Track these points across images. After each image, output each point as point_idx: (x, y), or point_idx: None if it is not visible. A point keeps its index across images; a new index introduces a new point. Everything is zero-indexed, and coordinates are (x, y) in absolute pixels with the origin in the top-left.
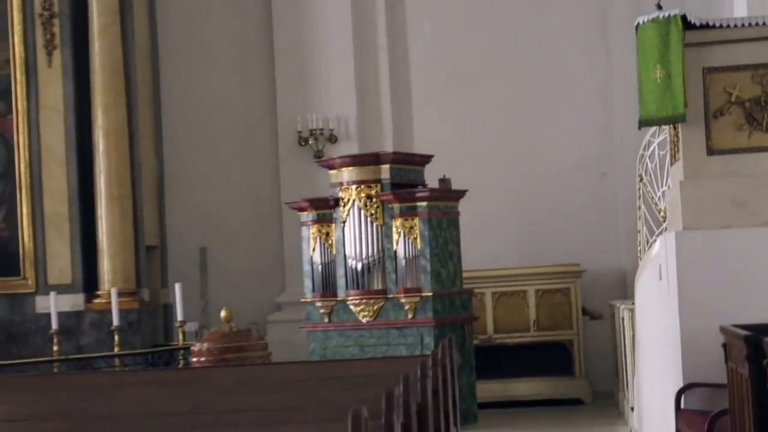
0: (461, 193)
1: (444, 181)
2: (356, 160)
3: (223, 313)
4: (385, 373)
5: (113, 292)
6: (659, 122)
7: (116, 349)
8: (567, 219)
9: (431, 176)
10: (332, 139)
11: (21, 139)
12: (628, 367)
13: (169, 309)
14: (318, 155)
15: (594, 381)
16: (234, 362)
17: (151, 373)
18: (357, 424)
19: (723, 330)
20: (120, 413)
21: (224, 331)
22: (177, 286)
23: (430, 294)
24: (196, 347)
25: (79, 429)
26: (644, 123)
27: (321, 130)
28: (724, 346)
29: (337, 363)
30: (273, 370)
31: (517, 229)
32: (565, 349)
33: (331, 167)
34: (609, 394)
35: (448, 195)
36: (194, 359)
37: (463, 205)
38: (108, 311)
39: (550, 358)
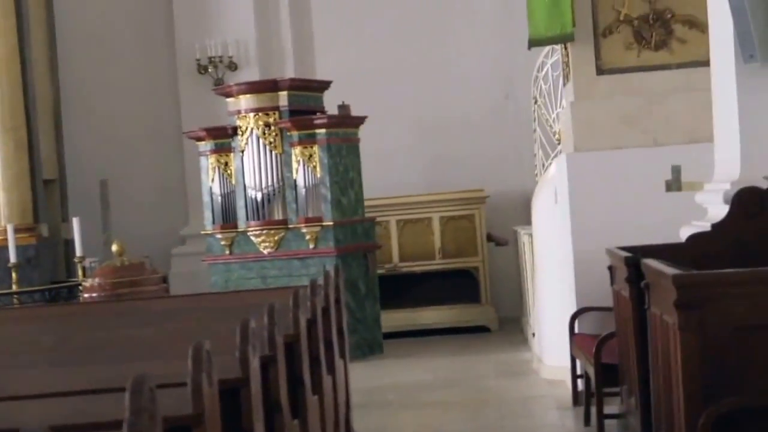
0: (361, 120)
1: (343, 108)
2: (253, 87)
3: (114, 247)
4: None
5: (9, 227)
6: (548, 42)
7: (14, 287)
8: (471, 144)
9: (335, 103)
10: (232, 66)
11: None
12: (530, 293)
13: (70, 244)
14: (218, 83)
15: (500, 308)
16: (127, 297)
17: (29, 310)
18: (197, 358)
19: (608, 252)
20: None
21: (116, 266)
22: (75, 221)
23: (331, 223)
24: (87, 282)
25: None
26: (534, 43)
27: (220, 57)
28: (610, 268)
29: (221, 295)
30: (153, 304)
31: (421, 156)
32: (472, 276)
33: (229, 95)
34: (515, 320)
35: (347, 121)
36: (86, 295)
37: (366, 133)
38: (5, 248)
39: (457, 285)
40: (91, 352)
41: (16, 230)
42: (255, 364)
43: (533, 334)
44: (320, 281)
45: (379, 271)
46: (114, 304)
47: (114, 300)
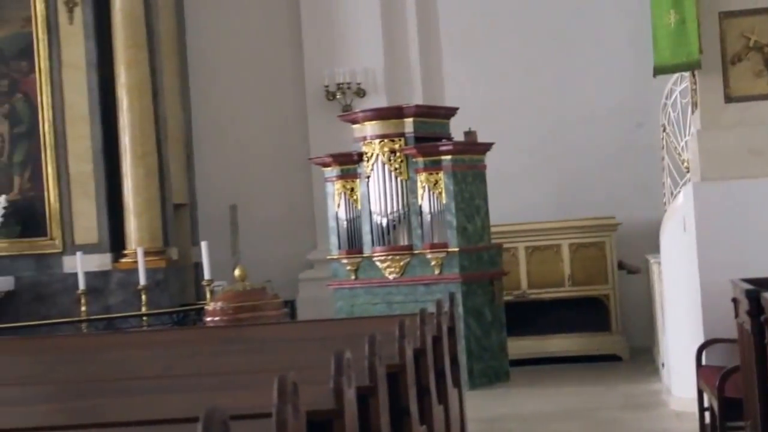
0: (488, 146)
1: (469, 134)
2: (379, 114)
3: (237, 272)
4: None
5: (139, 251)
6: (674, 69)
7: (143, 309)
8: (602, 171)
9: (462, 130)
10: (360, 93)
11: (44, 98)
12: (659, 323)
13: (200, 267)
14: (346, 109)
15: (632, 337)
16: (248, 321)
17: (142, 335)
18: (282, 390)
19: (732, 284)
20: (81, 378)
21: (238, 290)
22: (203, 245)
23: (457, 249)
24: (209, 306)
25: (24, 395)
26: (659, 70)
27: (348, 84)
28: (734, 300)
29: (338, 322)
30: (268, 330)
31: (550, 182)
32: (602, 304)
33: (354, 121)
34: (647, 349)
35: (473, 148)
36: (208, 318)
37: (495, 159)
38: (135, 270)
39: (586, 313)
40: (190, 379)
41: (146, 253)
42: (350, 395)
43: (662, 365)
44: (431, 310)
45: (507, 298)
46: (225, 330)
47: (234, 325)
